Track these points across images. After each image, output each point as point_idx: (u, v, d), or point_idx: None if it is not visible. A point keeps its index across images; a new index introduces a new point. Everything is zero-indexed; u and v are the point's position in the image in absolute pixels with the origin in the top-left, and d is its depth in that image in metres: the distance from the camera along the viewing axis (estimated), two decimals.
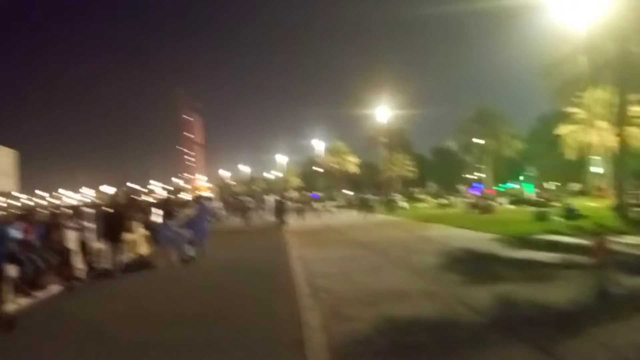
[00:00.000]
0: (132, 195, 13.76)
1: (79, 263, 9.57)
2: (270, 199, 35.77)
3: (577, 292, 7.61)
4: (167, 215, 12.20)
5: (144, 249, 12.70)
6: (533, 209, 29.61)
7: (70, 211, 10.89)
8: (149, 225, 13.38)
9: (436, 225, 22.26)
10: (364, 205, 35.88)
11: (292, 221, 28.54)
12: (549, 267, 10.27)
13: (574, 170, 53.06)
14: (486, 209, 28.41)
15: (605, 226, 17.12)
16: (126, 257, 12.68)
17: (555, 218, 21.11)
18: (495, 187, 51.01)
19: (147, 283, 9.69)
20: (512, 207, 33.20)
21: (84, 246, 10.40)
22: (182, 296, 8.27)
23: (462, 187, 61.43)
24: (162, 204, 16.59)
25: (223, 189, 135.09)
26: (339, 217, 33.52)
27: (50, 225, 9.38)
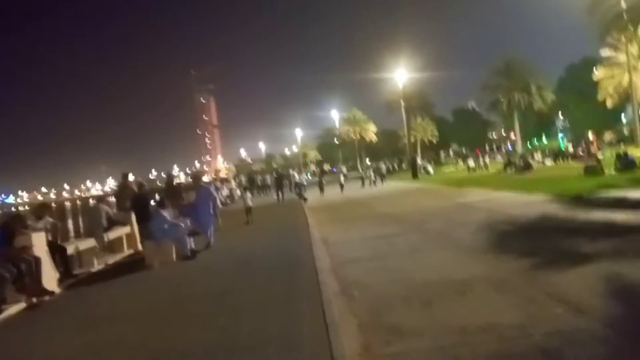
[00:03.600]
0: (124, 181, 11.65)
1: (49, 272, 7.68)
2: (295, 175, 33.93)
3: None
4: (161, 203, 10.22)
5: (138, 245, 10.84)
6: (574, 163, 27.16)
7: (38, 208, 8.96)
8: (147, 216, 11.46)
9: (472, 190, 19.99)
10: (376, 174, 34.41)
11: (312, 196, 26.53)
12: (636, 232, 8.07)
13: (606, 119, 49.86)
14: (524, 168, 25.91)
15: None
16: (119, 255, 10.86)
17: (608, 170, 18.66)
18: (527, 144, 48.17)
19: (132, 293, 7.71)
20: (550, 163, 30.66)
21: (58, 249, 8.50)
22: (174, 314, 6.26)
23: (487, 148, 58.76)
24: (165, 190, 14.70)
25: (241, 168, 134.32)
26: (363, 188, 31.31)
27: (8, 228, 7.48)
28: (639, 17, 19.62)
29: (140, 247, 11.16)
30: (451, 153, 68.66)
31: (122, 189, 12.03)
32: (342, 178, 31.10)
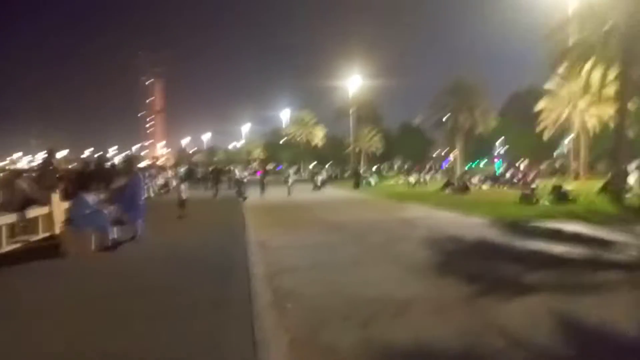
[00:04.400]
0: (49, 157, 10.65)
1: None
2: (237, 171, 33.07)
3: None
4: (83, 186, 9.31)
5: (58, 228, 9.84)
6: (509, 189, 28.07)
7: None
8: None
9: (412, 205, 20.07)
10: (313, 180, 34.51)
11: (251, 196, 25.86)
12: (578, 266, 8.11)
13: (542, 150, 52.25)
14: (462, 189, 26.47)
15: (603, 212, 15.37)
16: (32, 238, 9.81)
17: (542, 200, 19.24)
18: (465, 166, 49.64)
19: (35, 285, 6.82)
20: (486, 187, 31.50)
21: None
22: (78, 315, 5.53)
23: (427, 165, 60.16)
24: (93, 172, 13.62)
25: (182, 157, 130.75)
26: (303, 192, 30.89)
27: None
28: (586, 54, 20.33)
29: (56, 230, 10.16)
30: (395, 167, 69.73)
31: (46, 166, 10.95)
32: (289, 180, 30.27)
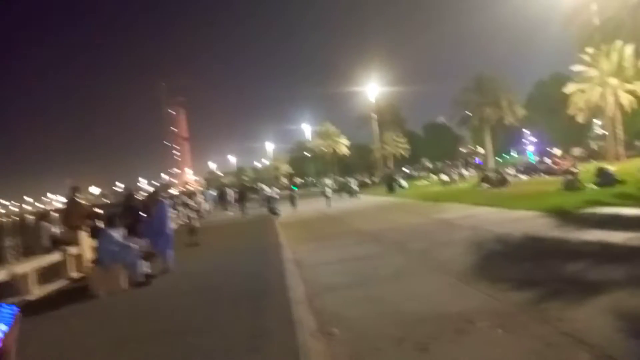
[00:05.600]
0: (74, 195, 10.40)
1: None
2: (266, 188, 32.71)
3: None
4: (111, 221, 8.96)
5: (87, 267, 9.55)
6: (549, 178, 26.91)
7: None
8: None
9: (450, 205, 19.25)
10: (345, 189, 34.25)
11: (283, 211, 25.42)
12: None
13: (573, 135, 50.50)
14: (499, 182, 25.43)
15: None
16: (62, 281, 9.56)
17: (589, 185, 18.18)
18: (496, 158, 48.27)
19: (67, 330, 6.46)
20: (524, 178, 30.32)
21: None
22: None
23: (459, 162, 58.94)
24: (122, 207, 13.37)
25: (211, 181, 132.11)
26: (334, 202, 30.21)
27: None
28: (614, 33, 19.37)
29: (84, 271, 9.86)
30: (429, 166, 68.52)
31: (72, 204, 10.71)
32: (327, 192, 29.79)
